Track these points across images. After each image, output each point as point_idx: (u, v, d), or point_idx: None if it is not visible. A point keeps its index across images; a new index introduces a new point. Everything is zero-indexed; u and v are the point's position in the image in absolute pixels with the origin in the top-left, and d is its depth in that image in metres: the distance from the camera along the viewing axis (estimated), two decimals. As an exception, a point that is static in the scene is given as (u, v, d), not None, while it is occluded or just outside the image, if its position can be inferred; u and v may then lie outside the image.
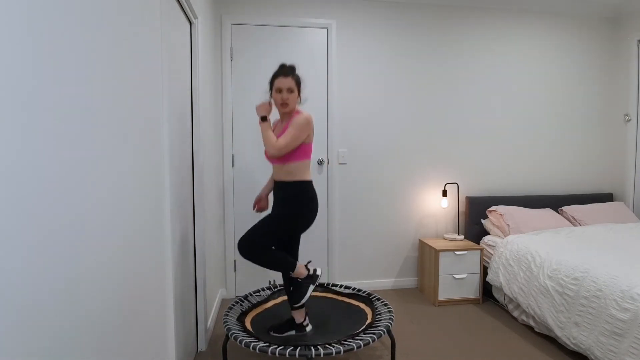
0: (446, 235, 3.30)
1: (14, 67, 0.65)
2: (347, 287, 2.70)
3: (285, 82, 2.05)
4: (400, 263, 3.45)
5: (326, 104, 3.23)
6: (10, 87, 0.64)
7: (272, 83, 2.11)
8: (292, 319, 2.21)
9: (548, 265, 2.46)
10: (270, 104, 2.14)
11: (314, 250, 3.29)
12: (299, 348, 1.87)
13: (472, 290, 3.09)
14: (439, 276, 3.03)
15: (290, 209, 2.11)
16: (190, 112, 2.24)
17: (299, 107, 2.15)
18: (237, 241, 3.18)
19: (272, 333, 2.19)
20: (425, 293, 3.27)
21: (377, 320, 2.20)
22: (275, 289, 2.70)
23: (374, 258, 3.41)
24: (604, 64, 3.66)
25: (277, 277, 3.25)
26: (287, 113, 2.11)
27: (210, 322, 2.58)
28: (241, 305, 2.43)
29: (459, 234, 3.32)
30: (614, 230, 2.91)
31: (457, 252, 3.04)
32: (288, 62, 3.10)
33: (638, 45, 3.47)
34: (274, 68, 3.10)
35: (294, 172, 2.10)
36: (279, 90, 2.06)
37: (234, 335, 2.01)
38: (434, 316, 2.86)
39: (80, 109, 0.87)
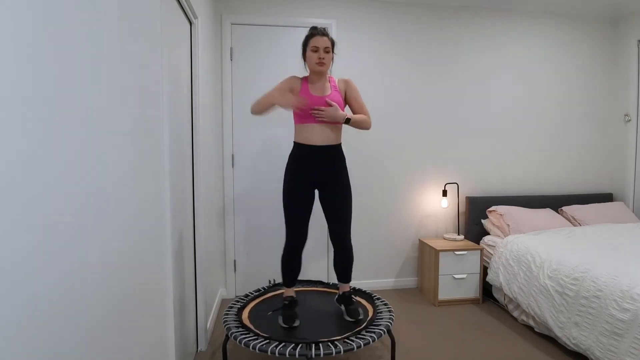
0: (446, 235, 3.30)
1: (13, 67, 0.65)
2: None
3: (323, 41, 2.08)
4: (400, 263, 3.45)
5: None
6: (10, 87, 0.64)
7: (306, 44, 2.12)
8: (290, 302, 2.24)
9: (548, 265, 2.46)
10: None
11: (313, 250, 3.29)
12: (299, 347, 1.88)
13: (472, 290, 3.09)
14: (439, 276, 3.03)
15: (347, 171, 2.24)
16: (190, 112, 2.24)
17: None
18: (236, 241, 3.18)
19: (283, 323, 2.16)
20: (425, 293, 3.27)
21: (377, 319, 2.20)
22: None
23: (374, 258, 3.41)
24: (604, 64, 3.66)
25: (276, 276, 3.26)
26: (322, 73, 2.13)
27: (210, 322, 2.58)
28: (241, 304, 2.43)
29: (459, 234, 3.32)
30: (614, 230, 2.91)
31: (457, 252, 3.04)
32: (290, 62, 3.13)
33: (638, 45, 3.47)
34: (274, 68, 3.13)
35: (340, 134, 2.18)
36: (316, 49, 2.07)
37: (234, 335, 2.01)
38: (434, 316, 2.86)
39: (79, 108, 0.87)
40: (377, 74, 3.30)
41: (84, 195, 0.88)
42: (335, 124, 2.14)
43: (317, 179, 2.15)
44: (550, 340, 2.49)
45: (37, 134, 0.71)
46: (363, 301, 2.49)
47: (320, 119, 2.08)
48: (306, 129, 2.10)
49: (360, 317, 2.18)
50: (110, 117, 1.03)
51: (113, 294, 1.03)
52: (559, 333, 2.29)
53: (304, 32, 3.14)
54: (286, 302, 2.23)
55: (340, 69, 3.23)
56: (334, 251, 2.25)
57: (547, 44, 3.54)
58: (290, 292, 2.27)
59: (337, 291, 2.67)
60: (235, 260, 3.21)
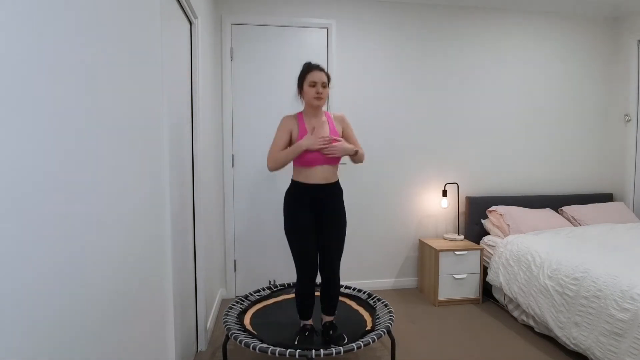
0: (446, 235, 3.30)
1: (14, 67, 0.65)
2: (347, 287, 2.70)
3: (321, 75, 2.09)
4: (400, 263, 3.45)
5: (326, 104, 3.22)
6: (10, 87, 0.64)
7: (302, 78, 2.12)
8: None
9: (548, 265, 2.46)
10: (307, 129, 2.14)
11: (314, 250, 3.29)
12: (298, 348, 1.88)
13: (472, 290, 3.09)
14: (439, 276, 3.03)
15: (344, 207, 2.23)
16: (190, 112, 2.24)
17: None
18: (236, 241, 3.18)
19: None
20: (425, 293, 3.27)
21: (376, 325, 2.20)
22: (276, 289, 2.70)
23: (374, 258, 3.41)
24: (604, 64, 3.66)
25: (276, 276, 3.26)
26: (319, 107, 2.14)
27: (210, 322, 2.58)
28: (241, 304, 2.43)
29: (459, 234, 3.32)
30: (614, 230, 2.91)
31: (457, 252, 3.04)
32: (290, 62, 3.13)
33: (638, 45, 3.47)
34: (274, 68, 3.13)
35: (337, 173, 2.20)
36: (314, 84, 2.08)
37: (234, 335, 2.01)
38: (434, 316, 2.86)
39: (79, 109, 0.87)
40: (377, 74, 3.30)
41: (83, 195, 0.88)
42: (343, 156, 2.14)
43: (317, 213, 2.14)
44: (550, 340, 2.49)
45: (36, 135, 0.71)
46: (361, 309, 2.48)
47: (331, 155, 2.06)
48: (308, 171, 2.10)
49: (345, 341, 2.08)
50: (110, 117, 1.03)
51: (113, 294, 1.03)
52: (559, 333, 2.29)
53: (304, 32, 3.16)
54: (307, 329, 2.18)
55: (340, 69, 3.23)
56: (323, 283, 2.21)
57: (547, 43, 3.54)
58: (308, 322, 2.23)
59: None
60: (235, 260, 3.21)
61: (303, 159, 2.07)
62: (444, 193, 3.31)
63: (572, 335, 2.19)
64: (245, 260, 3.22)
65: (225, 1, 3.06)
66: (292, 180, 2.17)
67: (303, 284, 2.14)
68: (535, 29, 3.51)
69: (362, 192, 3.34)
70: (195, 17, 2.24)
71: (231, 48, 3.08)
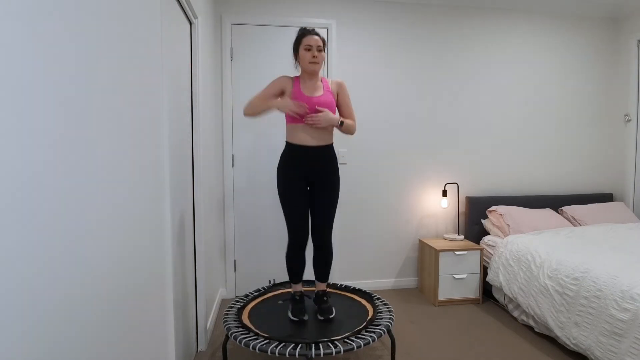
0: (446, 235, 3.30)
1: (13, 67, 0.65)
2: (347, 287, 2.70)
3: (315, 40, 2.09)
4: (400, 263, 3.45)
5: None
6: (10, 88, 0.64)
7: (298, 43, 2.13)
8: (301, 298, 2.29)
9: (548, 265, 2.46)
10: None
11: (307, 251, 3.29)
12: (299, 347, 1.87)
13: (472, 290, 3.09)
14: (439, 276, 3.03)
15: (338, 171, 2.23)
16: (190, 112, 2.24)
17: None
18: (236, 241, 3.18)
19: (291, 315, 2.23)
20: (425, 293, 3.27)
21: (377, 318, 2.20)
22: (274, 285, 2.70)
23: (374, 258, 3.41)
24: (604, 64, 3.66)
25: (276, 276, 3.26)
26: (315, 72, 2.14)
27: (210, 322, 2.58)
28: (241, 304, 2.43)
29: (459, 234, 3.32)
30: (614, 230, 2.91)
31: (457, 252, 3.04)
32: (290, 61, 3.13)
33: (638, 45, 3.47)
34: (274, 68, 3.13)
35: (332, 134, 2.19)
36: (309, 48, 2.08)
37: (234, 335, 2.01)
38: (434, 316, 2.86)
39: (79, 109, 0.87)
40: (377, 74, 3.30)
41: (83, 195, 0.88)
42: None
43: (309, 177, 2.17)
44: (550, 340, 2.49)
45: (36, 135, 0.71)
46: (363, 301, 2.49)
47: (313, 125, 2.07)
48: (299, 129, 2.11)
49: (332, 315, 2.20)
50: (110, 118, 1.03)
51: (113, 294, 1.03)
52: (559, 333, 2.29)
53: (304, 32, 3.16)
54: (297, 297, 2.27)
55: (340, 69, 3.23)
56: (314, 249, 2.26)
57: (547, 43, 3.54)
58: (298, 287, 2.29)
59: (336, 291, 2.67)
60: (235, 260, 3.21)
61: (289, 115, 2.11)
62: (444, 193, 3.31)
63: (572, 335, 2.19)
64: (245, 260, 3.22)
65: (225, 1, 3.06)
66: (285, 142, 2.19)
67: (292, 248, 2.20)
68: (535, 29, 3.51)
69: (362, 192, 3.34)
70: (195, 17, 2.24)
71: (231, 48, 3.08)
